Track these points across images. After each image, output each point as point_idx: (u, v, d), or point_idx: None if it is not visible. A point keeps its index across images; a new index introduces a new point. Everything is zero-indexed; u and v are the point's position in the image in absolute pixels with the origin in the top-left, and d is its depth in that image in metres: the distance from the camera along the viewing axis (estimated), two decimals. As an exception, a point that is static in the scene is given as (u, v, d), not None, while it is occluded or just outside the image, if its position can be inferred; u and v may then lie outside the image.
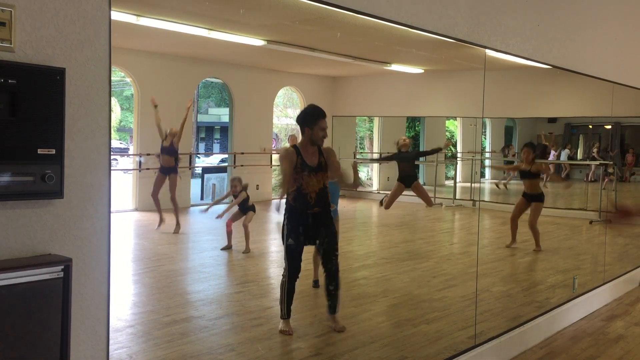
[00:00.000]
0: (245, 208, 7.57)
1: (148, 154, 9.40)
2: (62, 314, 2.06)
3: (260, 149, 10.45)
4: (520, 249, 8.30)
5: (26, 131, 1.99)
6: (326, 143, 4.61)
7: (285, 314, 4.59)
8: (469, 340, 4.49)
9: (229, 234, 7.49)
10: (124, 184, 9.61)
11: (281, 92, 13.34)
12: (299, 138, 4.71)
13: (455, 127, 15.38)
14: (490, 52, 4.49)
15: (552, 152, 13.43)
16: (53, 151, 2.05)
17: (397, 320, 5.06)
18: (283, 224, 4.61)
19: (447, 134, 15.71)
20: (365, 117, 15.00)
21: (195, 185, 10.90)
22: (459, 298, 5.80)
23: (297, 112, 13.06)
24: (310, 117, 4.52)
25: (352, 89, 12.96)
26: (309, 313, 5.37)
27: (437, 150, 10.32)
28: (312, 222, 4.54)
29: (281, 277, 4.63)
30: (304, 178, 4.47)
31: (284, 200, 4.66)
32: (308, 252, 4.89)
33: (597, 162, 12.37)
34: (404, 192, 8.91)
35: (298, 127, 4.66)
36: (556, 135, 13.36)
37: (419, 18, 3.76)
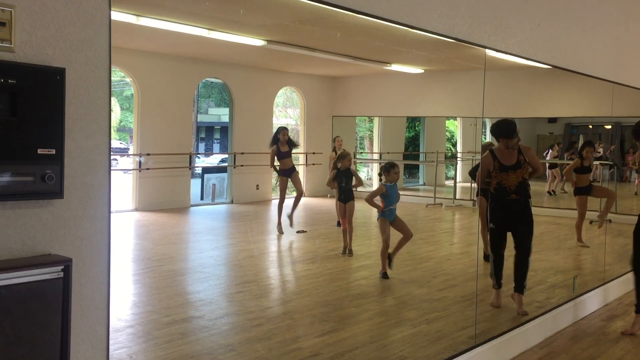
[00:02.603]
0: None
1: (148, 154, 9.40)
2: (62, 314, 2.06)
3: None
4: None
5: (26, 131, 1.98)
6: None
7: (496, 284, 5.39)
8: (469, 340, 4.49)
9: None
10: (124, 184, 9.60)
11: (281, 92, 13.33)
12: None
13: (455, 127, 15.39)
14: (490, 52, 4.48)
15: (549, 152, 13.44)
16: (53, 151, 2.05)
17: (397, 320, 5.05)
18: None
19: (447, 133, 15.72)
20: (365, 117, 15.00)
21: (195, 185, 10.88)
22: (459, 298, 5.80)
23: (297, 112, 13.11)
24: (509, 130, 5.31)
25: (352, 89, 12.96)
26: (309, 313, 5.37)
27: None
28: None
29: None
30: (502, 175, 5.27)
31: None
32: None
33: (597, 162, 12.35)
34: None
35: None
36: (556, 135, 13.35)
37: (419, 18, 3.76)
